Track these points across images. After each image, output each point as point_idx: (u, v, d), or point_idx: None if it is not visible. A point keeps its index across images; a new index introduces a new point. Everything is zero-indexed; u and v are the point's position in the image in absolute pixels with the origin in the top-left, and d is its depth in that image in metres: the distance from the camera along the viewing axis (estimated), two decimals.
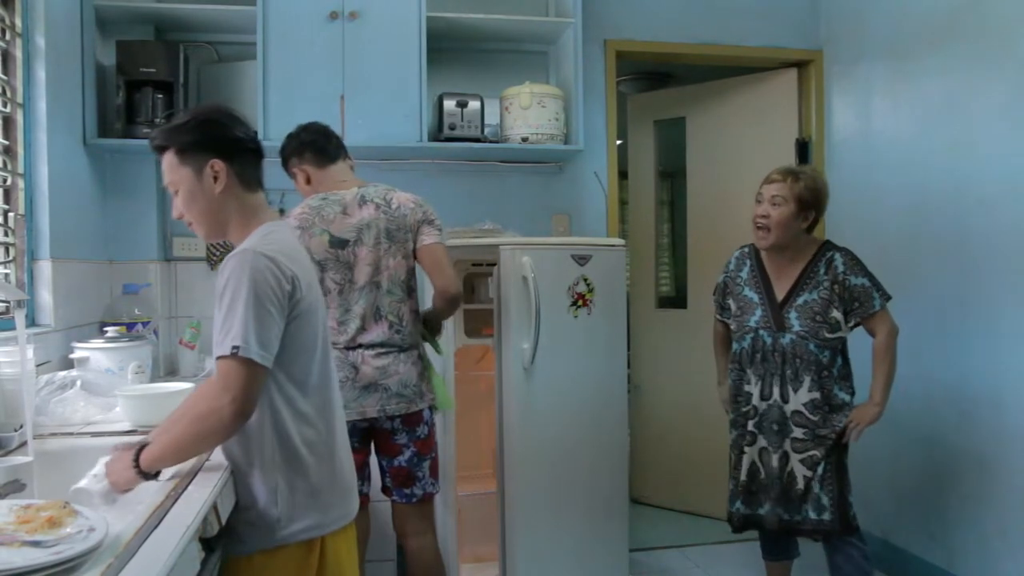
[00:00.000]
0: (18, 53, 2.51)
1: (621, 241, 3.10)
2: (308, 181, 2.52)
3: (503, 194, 3.64)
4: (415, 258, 2.47)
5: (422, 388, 2.45)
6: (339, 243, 2.36)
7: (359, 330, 2.36)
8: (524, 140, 3.34)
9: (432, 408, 2.51)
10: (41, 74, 2.57)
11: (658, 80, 5.38)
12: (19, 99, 2.52)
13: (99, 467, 1.50)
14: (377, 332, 2.38)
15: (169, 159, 1.61)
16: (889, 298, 2.56)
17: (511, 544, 2.86)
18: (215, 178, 1.60)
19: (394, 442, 2.44)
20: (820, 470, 2.56)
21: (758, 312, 2.65)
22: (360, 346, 2.36)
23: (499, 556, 2.89)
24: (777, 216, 2.56)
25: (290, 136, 2.57)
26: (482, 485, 3.20)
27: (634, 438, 4.34)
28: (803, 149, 3.94)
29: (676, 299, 4.70)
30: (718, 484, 4.09)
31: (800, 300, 2.57)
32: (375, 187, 2.49)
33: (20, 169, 2.53)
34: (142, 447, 1.48)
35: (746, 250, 2.78)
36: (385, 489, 2.52)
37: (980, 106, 2.97)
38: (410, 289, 2.47)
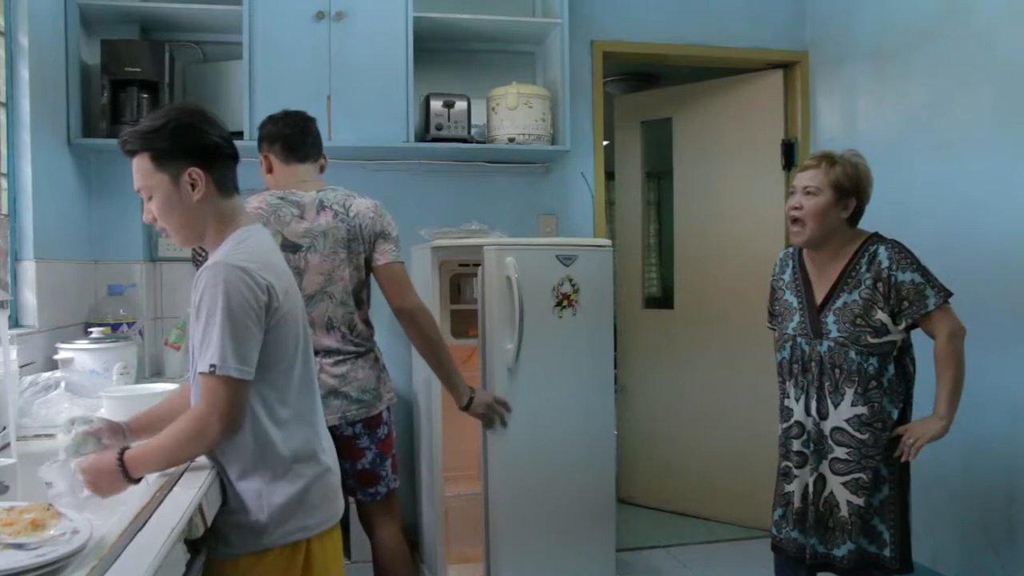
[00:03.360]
0: (1, 52, 2.49)
1: (608, 241, 3.10)
2: (269, 170, 2.45)
3: (490, 195, 3.64)
4: (371, 273, 2.42)
5: (381, 390, 2.43)
6: (291, 247, 2.29)
7: (311, 337, 2.30)
8: (511, 140, 3.34)
9: (390, 408, 2.49)
10: (24, 73, 2.55)
11: (645, 81, 5.40)
12: (2, 98, 2.51)
13: (58, 483, 1.47)
14: (329, 341, 2.34)
15: (143, 164, 1.56)
16: (949, 295, 2.21)
17: (497, 545, 2.87)
18: (193, 186, 1.55)
19: (356, 446, 2.40)
20: (881, 497, 2.26)
21: (796, 318, 2.37)
22: (316, 353, 2.26)
23: (483, 557, 2.89)
24: (812, 207, 2.26)
25: (272, 119, 2.47)
26: (468, 486, 3.19)
27: (621, 438, 4.34)
28: (789, 150, 3.96)
29: (663, 299, 4.72)
30: (706, 484, 4.13)
31: (839, 302, 2.27)
32: (334, 191, 2.41)
33: (3, 169, 2.51)
34: (123, 451, 1.48)
35: (790, 251, 2.48)
36: (348, 489, 2.46)
37: (964, 107, 3.00)
38: (360, 300, 2.41)
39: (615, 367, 3.28)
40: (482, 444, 2.87)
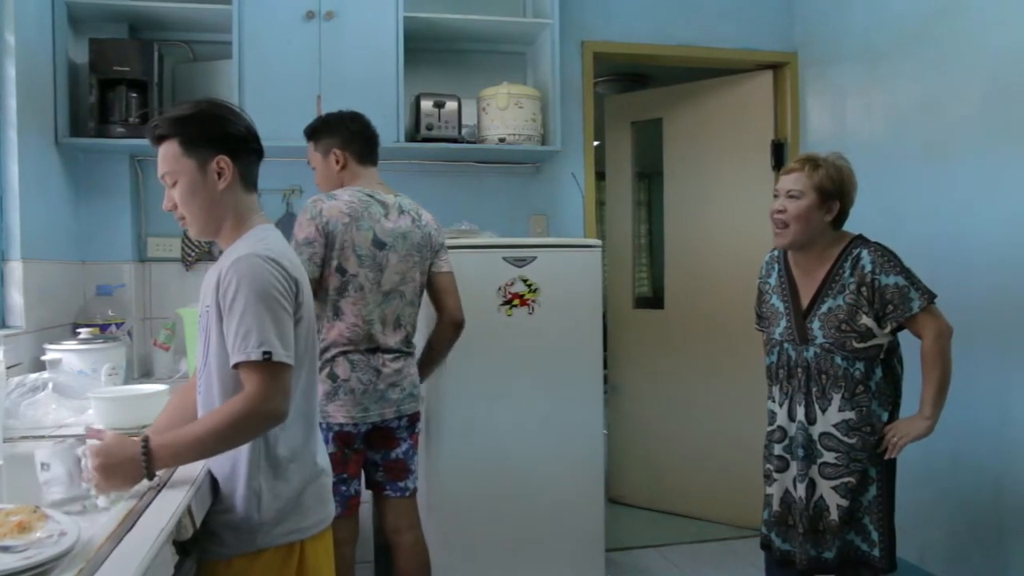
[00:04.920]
0: None
1: (597, 241, 3.11)
2: (343, 168, 2.50)
3: (481, 195, 3.64)
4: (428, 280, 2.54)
5: (421, 388, 2.55)
6: (379, 244, 2.38)
7: (380, 334, 2.39)
8: (501, 141, 3.34)
9: None
10: (11, 71, 2.53)
11: (635, 81, 5.42)
12: None
13: (56, 466, 1.37)
14: (395, 338, 2.42)
15: (171, 149, 1.57)
16: (933, 297, 2.20)
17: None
18: (219, 174, 1.58)
19: (396, 437, 2.47)
20: (869, 497, 2.27)
21: (782, 323, 2.36)
22: (379, 349, 2.39)
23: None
24: (795, 210, 2.25)
25: (345, 119, 2.52)
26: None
27: (612, 438, 4.36)
28: (778, 150, 3.97)
29: (653, 299, 4.73)
30: (696, 484, 4.14)
31: (824, 308, 2.26)
32: (406, 198, 2.53)
33: None
34: (147, 439, 1.41)
35: (775, 253, 2.46)
36: (376, 485, 2.51)
37: (952, 108, 3.01)
38: (419, 303, 2.53)
39: (605, 367, 3.28)
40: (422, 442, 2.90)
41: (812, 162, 2.28)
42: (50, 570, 1.07)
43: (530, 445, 2.94)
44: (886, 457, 2.26)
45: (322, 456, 1.70)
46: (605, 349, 3.18)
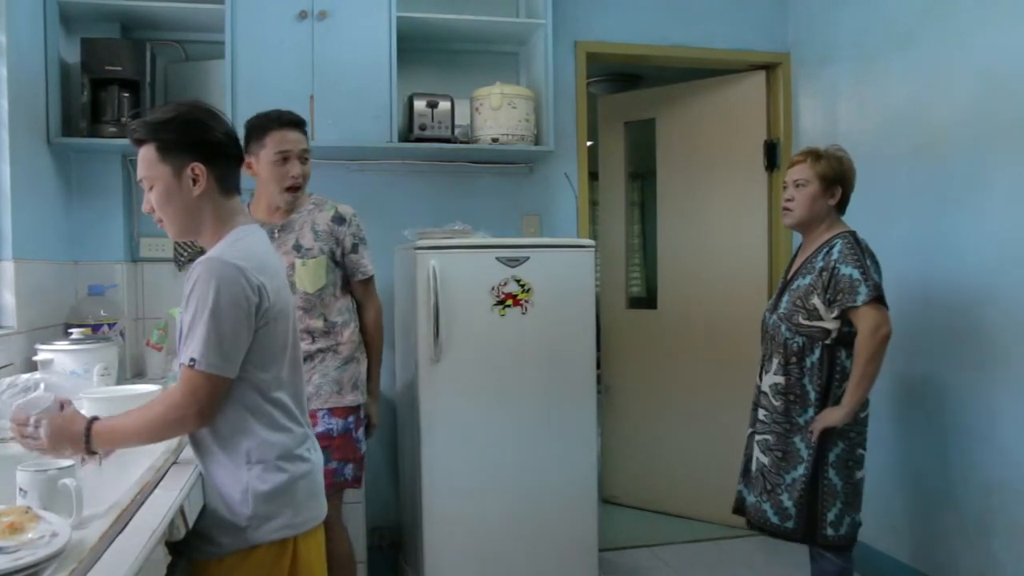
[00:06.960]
0: None
1: (590, 242, 3.12)
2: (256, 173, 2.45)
3: (473, 195, 3.64)
4: None
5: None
6: None
7: None
8: (494, 141, 3.34)
9: None
10: (2, 71, 2.53)
11: (628, 81, 5.42)
12: None
13: (31, 494, 1.33)
14: None
15: (148, 154, 1.58)
16: (879, 296, 2.39)
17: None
18: (194, 181, 1.57)
19: None
20: (794, 475, 2.48)
21: (774, 295, 2.68)
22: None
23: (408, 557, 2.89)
24: (801, 197, 2.56)
25: (273, 119, 2.45)
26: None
27: (605, 437, 4.36)
28: (771, 150, 3.98)
29: (646, 300, 4.73)
30: (689, 483, 4.14)
31: (795, 284, 2.55)
32: None
33: None
34: (92, 421, 1.50)
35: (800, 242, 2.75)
36: None
37: (943, 109, 3.02)
38: None
39: (598, 367, 3.28)
40: (412, 441, 2.96)
41: (814, 154, 2.60)
42: (41, 571, 1.07)
43: (523, 445, 2.94)
44: (811, 439, 2.46)
45: (313, 452, 1.70)
46: (598, 349, 3.18)
